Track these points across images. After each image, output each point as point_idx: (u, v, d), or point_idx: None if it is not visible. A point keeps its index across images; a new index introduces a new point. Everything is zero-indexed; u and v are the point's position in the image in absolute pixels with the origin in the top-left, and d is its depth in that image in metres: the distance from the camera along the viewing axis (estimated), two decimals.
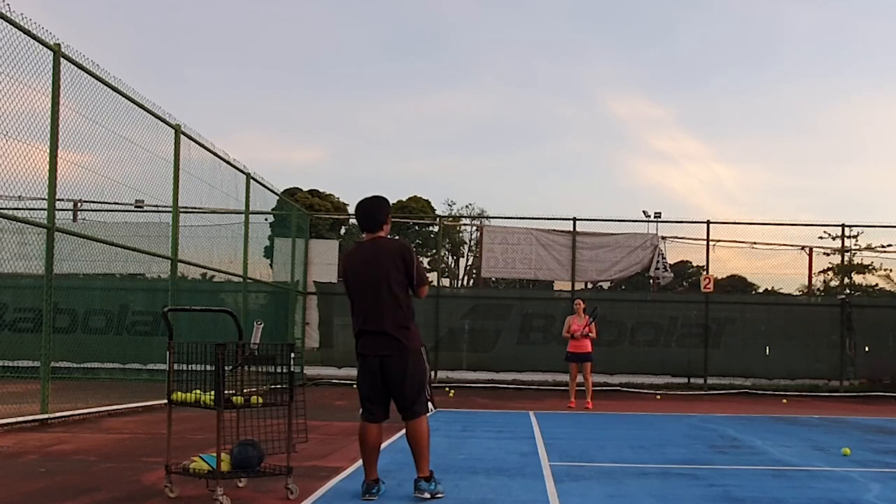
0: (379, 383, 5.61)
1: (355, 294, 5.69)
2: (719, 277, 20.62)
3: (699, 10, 60.97)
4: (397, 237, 19.07)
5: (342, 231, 29.09)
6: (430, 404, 5.73)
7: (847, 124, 62.09)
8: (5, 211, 9.52)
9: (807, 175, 59.91)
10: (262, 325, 5.66)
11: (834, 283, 22.39)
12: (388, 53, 66.82)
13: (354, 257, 5.82)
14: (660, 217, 20.52)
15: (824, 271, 23.27)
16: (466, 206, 42.67)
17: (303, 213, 20.10)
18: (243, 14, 64.98)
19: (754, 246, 20.41)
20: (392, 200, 33.75)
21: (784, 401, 17.00)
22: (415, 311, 5.79)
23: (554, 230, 19.91)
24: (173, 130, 12.41)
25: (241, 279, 15.63)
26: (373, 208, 5.82)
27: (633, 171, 63.28)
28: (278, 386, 5.46)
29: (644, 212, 20.96)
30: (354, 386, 6.24)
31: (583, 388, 14.46)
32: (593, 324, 14.30)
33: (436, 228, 21.62)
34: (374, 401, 5.65)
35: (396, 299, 5.64)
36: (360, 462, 7.08)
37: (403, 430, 5.72)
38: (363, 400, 5.70)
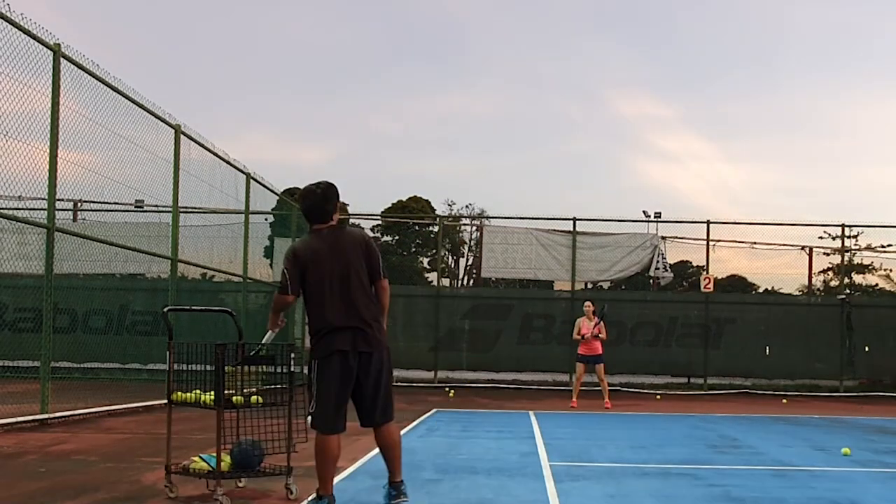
0: (350, 386, 5.08)
1: (319, 286, 5.10)
2: (719, 277, 20.64)
3: (707, 10, 60.93)
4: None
5: None
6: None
7: (850, 124, 62.11)
8: (5, 211, 9.52)
9: (810, 175, 59.89)
10: (277, 331, 5.61)
11: (834, 283, 22.41)
12: (391, 54, 66.90)
13: (312, 246, 5.19)
14: (660, 217, 20.53)
15: (824, 271, 23.33)
16: (466, 206, 42.61)
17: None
18: (251, 17, 65.06)
19: (754, 246, 20.43)
20: (392, 200, 33.67)
21: (784, 401, 17.00)
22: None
23: (554, 230, 19.92)
24: (173, 130, 12.41)
25: (241, 279, 15.63)
26: (318, 197, 5.27)
27: (636, 171, 63.28)
28: (278, 386, 5.46)
29: (644, 212, 20.96)
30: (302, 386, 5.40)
31: (586, 388, 14.48)
32: (602, 324, 14.39)
33: (436, 228, 21.60)
34: (341, 408, 5.07)
35: (366, 291, 5.16)
36: (360, 462, 7.11)
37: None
38: (332, 407, 5.03)
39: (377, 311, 5.20)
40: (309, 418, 5.11)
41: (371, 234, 33.10)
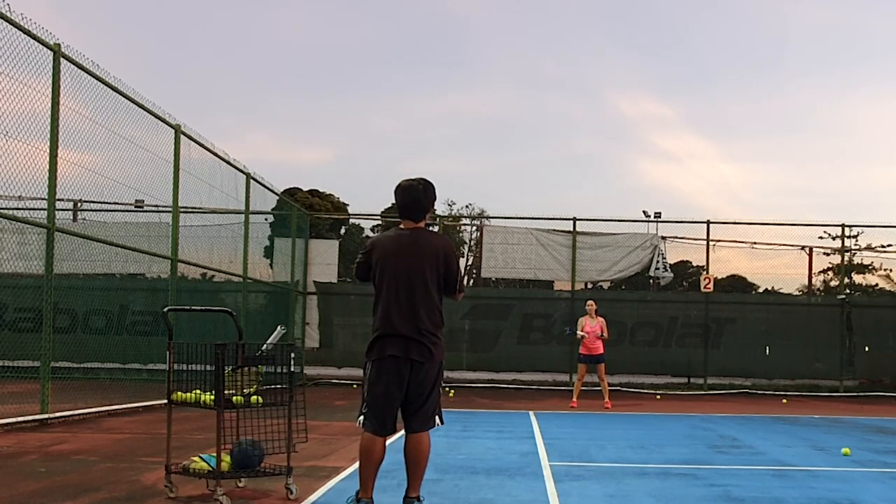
0: (402, 390, 4.99)
1: (385, 286, 5.03)
2: (719, 277, 20.63)
3: (708, 11, 60.91)
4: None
5: (342, 231, 29.07)
6: (438, 419, 5.14)
7: (850, 124, 62.09)
8: (5, 211, 9.52)
9: (810, 175, 59.86)
10: (285, 331, 5.63)
11: (834, 283, 22.40)
12: (391, 54, 66.87)
13: (390, 243, 5.11)
14: (660, 217, 20.53)
15: (824, 271, 23.33)
16: (466, 206, 42.61)
17: (303, 213, 20.09)
18: (252, 17, 65.06)
19: (754, 246, 20.42)
20: (392, 200, 33.82)
21: (784, 401, 17.00)
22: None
23: (554, 230, 19.92)
24: (173, 130, 12.41)
25: (241, 279, 15.63)
26: (419, 193, 5.14)
27: (636, 171, 63.26)
28: (278, 386, 5.46)
29: (644, 212, 20.96)
30: (355, 387, 5.77)
31: (586, 388, 14.48)
32: (604, 323, 14.45)
33: (436, 228, 21.58)
34: (391, 411, 4.99)
35: (431, 302, 5.03)
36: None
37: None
38: (378, 409, 4.98)
39: (438, 323, 5.07)
40: (361, 418, 5.05)
41: (371, 235, 33.18)
